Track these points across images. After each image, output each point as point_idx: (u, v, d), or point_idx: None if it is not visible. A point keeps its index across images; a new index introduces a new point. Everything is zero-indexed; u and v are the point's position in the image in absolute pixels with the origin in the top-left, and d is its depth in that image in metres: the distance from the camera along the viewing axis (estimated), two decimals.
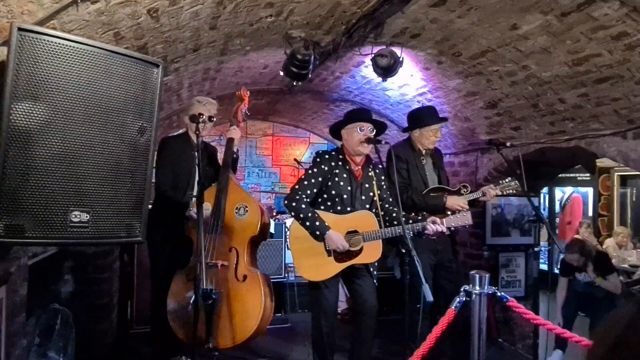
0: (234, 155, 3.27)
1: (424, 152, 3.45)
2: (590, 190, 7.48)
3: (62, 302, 2.91)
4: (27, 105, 1.34)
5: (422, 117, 3.43)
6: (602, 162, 6.66)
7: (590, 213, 7.42)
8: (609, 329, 0.57)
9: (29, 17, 1.59)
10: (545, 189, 7.25)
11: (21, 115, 1.33)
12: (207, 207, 2.91)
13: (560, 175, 5.91)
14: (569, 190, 7.62)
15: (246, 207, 3.04)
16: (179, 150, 3.20)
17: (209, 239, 2.89)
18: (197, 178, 2.98)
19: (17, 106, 1.32)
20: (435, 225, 2.82)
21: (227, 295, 2.85)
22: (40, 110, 1.36)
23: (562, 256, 6.44)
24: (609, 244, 6.12)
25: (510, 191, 3.28)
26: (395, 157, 3.22)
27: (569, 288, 4.38)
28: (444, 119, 3.57)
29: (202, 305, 2.50)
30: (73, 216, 1.41)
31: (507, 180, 3.25)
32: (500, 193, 3.26)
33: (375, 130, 3.03)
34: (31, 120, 1.35)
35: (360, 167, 3.03)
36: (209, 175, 3.16)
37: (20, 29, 1.32)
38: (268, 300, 2.90)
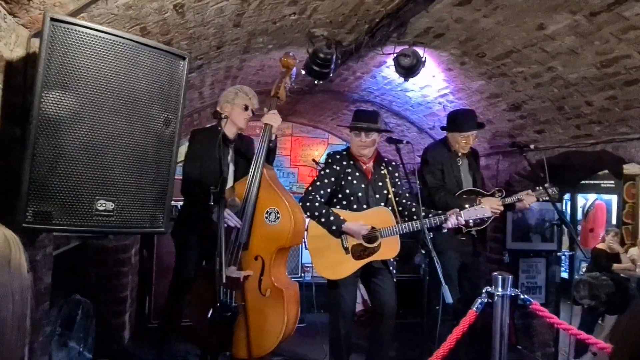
0: (270, 145, 2.79)
1: (459, 153, 3.40)
2: (614, 198, 7.29)
3: (82, 294, 2.96)
4: (57, 94, 1.37)
5: (456, 121, 3.38)
6: (627, 169, 6.50)
7: (614, 221, 7.23)
8: (636, 326, 0.54)
9: (61, 9, 1.62)
10: (567, 195, 7.10)
11: (51, 104, 1.36)
12: (236, 202, 2.69)
13: (583, 182, 5.79)
14: (592, 197, 7.44)
15: (278, 212, 2.67)
16: (209, 144, 2.79)
17: (233, 243, 2.63)
18: (227, 174, 2.76)
19: (47, 95, 1.35)
20: (453, 217, 2.79)
21: (250, 308, 2.60)
22: (69, 99, 1.38)
23: (583, 264, 6.31)
24: (633, 253, 5.96)
25: (547, 198, 3.18)
26: (429, 157, 3.21)
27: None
28: (480, 127, 3.46)
29: (220, 317, 2.34)
30: (99, 205, 1.43)
31: (544, 186, 3.16)
32: (537, 199, 3.17)
33: (374, 132, 2.97)
34: (61, 109, 1.37)
35: (369, 165, 3.02)
36: (241, 170, 2.94)
37: (52, 19, 1.35)
38: (292, 317, 2.68)
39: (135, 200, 1.52)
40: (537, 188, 3.17)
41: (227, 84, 4.18)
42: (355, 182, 2.96)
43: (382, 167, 3.05)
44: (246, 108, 2.92)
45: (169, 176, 1.61)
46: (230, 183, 2.83)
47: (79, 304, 2.81)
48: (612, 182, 7.16)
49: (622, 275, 5.09)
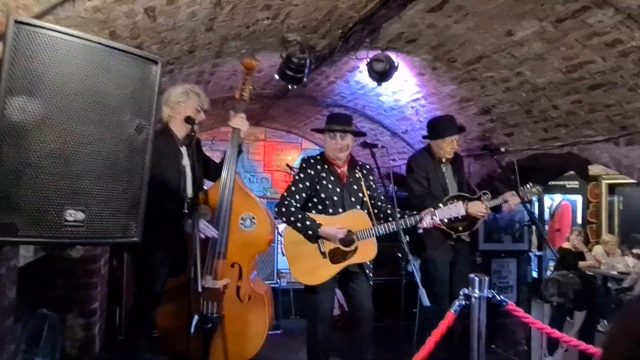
0: (240, 149, 2.74)
1: (443, 159, 3.43)
2: (579, 198, 7.57)
3: (49, 308, 2.84)
4: (22, 100, 1.30)
5: (437, 128, 3.41)
6: (590, 170, 6.75)
7: (579, 220, 7.49)
8: (633, 320, 0.54)
9: (25, 12, 1.56)
10: (535, 197, 7.31)
11: (16, 111, 1.29)
12: (205, 210, 2.61)
13: (550, 183, 5.97)
14: (558, 197, 7.70)
15: (253, 217, 2.64)
16: (163, 149, 2.56)
17: (210, 253, 2.53)
18: (189, 180, 2.64)
19: (12, 101, 1.29)
20: (428, 217, 2.82)
21: (228, 317, 2.55)
22: (35, 105, 1.32)
23: (551, 263, 6.50)
24: (598, 251, 6.19)
25: (532, 197, 3.23)
26: (414, 166, 3.22)
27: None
28: (460, 130, 3.49)
29: (200, 329, 2.30)
30: (68, 215, 1.37)
31: (528, 185, 3.22)
32: (522, 199, 3.19)
33: (349, 135, 2.96)
34: (26, 115, 1.31)
35: (343, 169, 3.03)
36: (199, 175, 2.76)
37: (17, 22, 1.28)
38: (271, 321, 2.68)
39: (106, 209, 1.46)
40: (522, 188, 3.20)
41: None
42: (330, 186, 2.96)
43: (357, 171, 3.05)
44: (198, 110, 2.71)
45: (142, 184, 1.56)
46: (189, 189, 2.64)
47: (45, 318, 2.70)
48: (577, 183, 7.44)
49: (587, 272, 5.27)
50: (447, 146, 3.35)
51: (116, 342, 3.99)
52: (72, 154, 1.38)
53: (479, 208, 3.17)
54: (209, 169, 2.90)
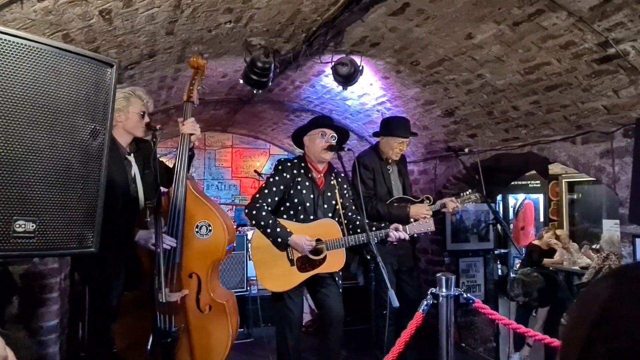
0: (190, 154, 2.56)
1: (390, 160, 3.46)
2: (540, 197, 7.82)
3: (4, 326, 2.68)
4: None
5: (392, 126, 3.43)
6: (551, 170, 6.99)
7: (542, 218, 7.74)
8: (587, 305, 0.54)
9: None
10: (499, 196, 7.51)
11: None
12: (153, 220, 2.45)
13: (513, 183, 6.14)
14: (521, 196, 7.93)
15: (209, 225, 2.54)
16: (110, 157, 2.49)
17: (165, 264, 2.36)
18: (140, 189, 2.55)
19: None
20: (398, 232, 2.83)
21: (188, 329, 2.45)
22: None
23: (517, 260, 6.66)
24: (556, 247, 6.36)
25: (470, 203, 3.31)
26: (361, 166, 3.21)
27: None
28: (413, 134, 3.55)
29: (160, 345, 2.19)
30: (17, 226, 1.29)
31: (467, 192, 3.29)
32: (459, 205, 3.27)
33: (337, 138, 3.01)
34: None
35: (322, 175, 3.00)
36: (149, 181, 2.63)
37: None
38: (235, 330, 2.59)
39: (60, 219, 1.39)
40: (461, 194, 3.30)
41: (162, 95, 4.02)
42: (304, 191, 2.90)
43: (332, 178, 3.03)
44: (143, 115, 2.55)
45: (98, 192, 1.49)
46: (141, 197, 2.57)
47: None
48: (538, 182, 7.69)
49: (551, 268, 5.43)
50: (397, 147, 3.37)
51: (80, 359, 3.82)
52: (20, 161, 1.30)
53: (421, 210, 3.22)
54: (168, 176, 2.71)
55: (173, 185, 2.47)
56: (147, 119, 2.58)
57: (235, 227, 5.14)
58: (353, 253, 3.17)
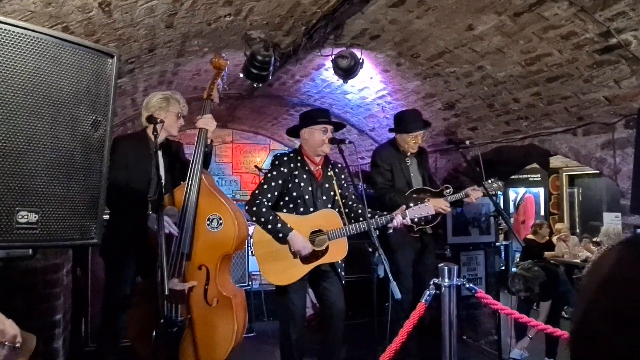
0: (206, 149, 2.70)
1: (408, 153, 3.46)
2: (541, 190, 7.82)
3: None
4: None
5: (403, 122, 3.44)
6: (551, 163, 6.99)
7: (542, 212, 7.75)
8: (597, 268, 0.57)
9: None
10: (496, 192, 7.51)
11: None
12: (175, 211, 2.57)
13: (513, 177, 6.14)
14: (521, 190, 7.93)
15: (220, 218, 2.58)
16: (134, 151, 2.70)
17: (174, 254, 2.49)
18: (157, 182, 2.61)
19: None
20: (399, 217, 2.83)
21: (194, 321, 2.48)
22: None
23: (517, 254, 6.67)
24: (560, 245, 6.37)
25: (493, 192, 3.27)
26: (378, 158, 3.22)
27: None
28: (426, 125, 3.53)
29: (165, 333, 2.23)
30: (20, 217, 1.29)
31: (490, 180, 3.25)
32: (484, 193, 3.22)
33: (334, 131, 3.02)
34: None
35: (319, 167, 3.00)
36: (175, 177, 2.79)
37: None
38: (241, 324, 2.61)
39: (62, 210, 1.38)
40: (483, 183, 3.25)
41: (162, 89, 4.01)
42: (302, 184, 2.91)
43: (329, 169, 3.03)
44: (179, 116, 2.78)
45: (101, 183, 1.49)
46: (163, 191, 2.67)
47: None
48: (539, 176, 7.69)
49: (552, 262, 5.43)
50: (412, 140, 3.40)
51: (83, 354, 3.83)
52: (22, 152, 1.30)
53: (440, 204, 3.20)
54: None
55: (187, 178, 2.59)
56: (182, 121, 2.82)
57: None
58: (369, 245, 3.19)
